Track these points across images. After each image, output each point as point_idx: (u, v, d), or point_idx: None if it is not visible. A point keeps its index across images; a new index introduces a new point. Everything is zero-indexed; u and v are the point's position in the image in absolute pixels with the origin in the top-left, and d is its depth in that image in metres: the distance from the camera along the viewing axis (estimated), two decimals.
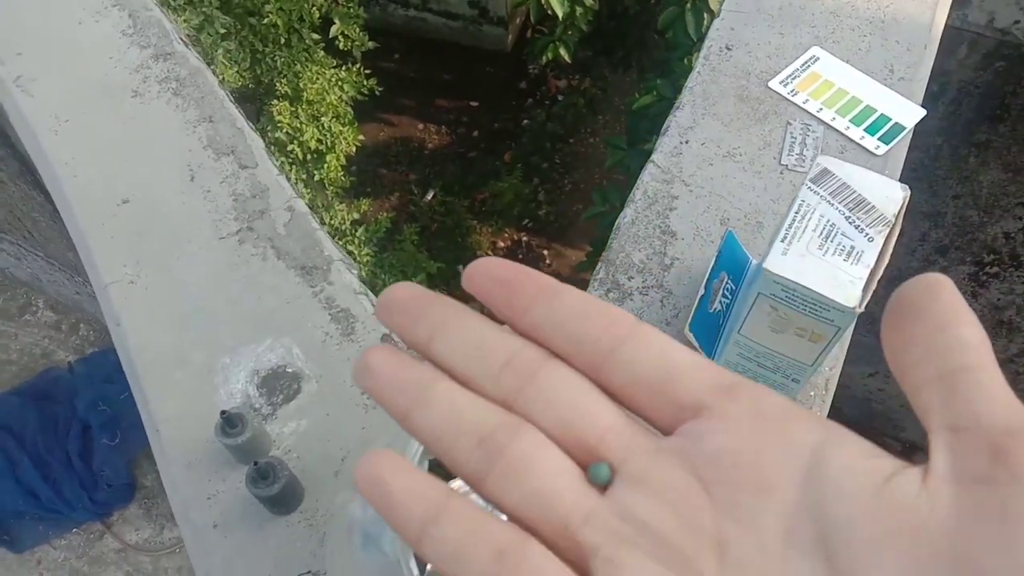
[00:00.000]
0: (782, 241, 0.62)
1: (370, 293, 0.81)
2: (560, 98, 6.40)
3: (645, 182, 0.86)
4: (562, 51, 3.54)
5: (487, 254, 5.91)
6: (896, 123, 0.87)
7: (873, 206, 0.63)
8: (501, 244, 5.89)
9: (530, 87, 6.55)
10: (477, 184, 6.19)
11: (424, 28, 6.59)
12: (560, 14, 2.15)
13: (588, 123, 6.18)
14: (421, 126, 6.55)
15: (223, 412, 0.66)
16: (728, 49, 0.94)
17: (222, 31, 3.47)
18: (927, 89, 0.95)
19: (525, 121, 6.45)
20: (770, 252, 0.62)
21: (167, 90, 0.92)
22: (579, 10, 3.48)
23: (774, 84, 0.91)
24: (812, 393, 0.73)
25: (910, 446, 2.11)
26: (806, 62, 0.93)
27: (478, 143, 6.41)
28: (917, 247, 1.64)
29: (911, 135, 0.87)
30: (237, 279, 0.80)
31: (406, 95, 6.47)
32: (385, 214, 5.62)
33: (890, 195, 0.64)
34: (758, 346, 0.68)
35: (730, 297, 0.74)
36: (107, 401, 2.76)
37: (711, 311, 0.74)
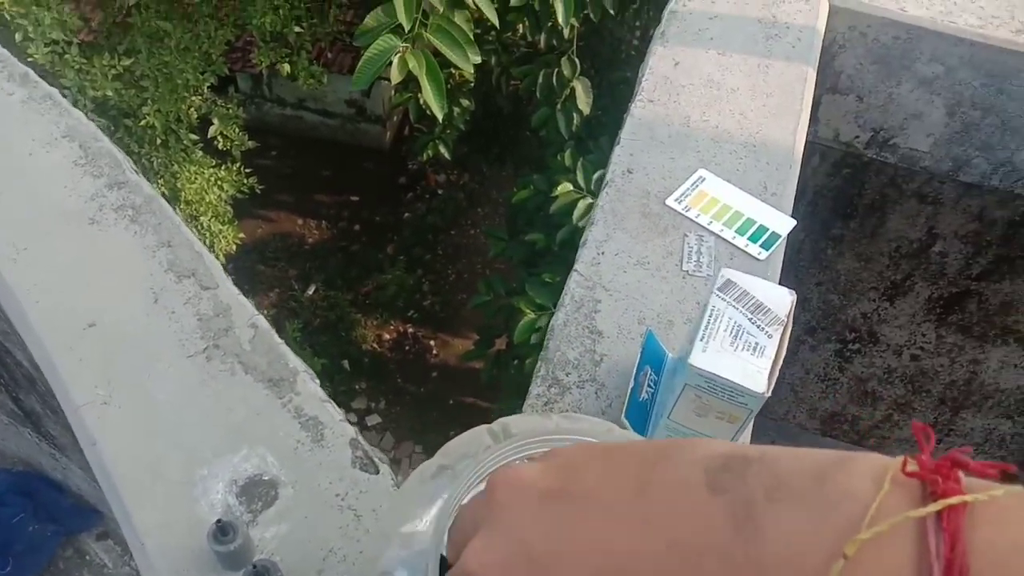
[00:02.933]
0: (701, 340, 0.75)
1: (332, 402, 0.88)
2: (440, 192, 6.62)
3: (572, 288, 0.99)
4: (442, 149, 3.73)
5: (372, 347, 5.92)
6: (773, 232, 1.05)
7: (769, 309, 0.78)
8: (387, 336, 5.93)
9: (410, 181, 6.75)
10: (360, 277, 6.24)
11: (301, 126, 6.70)
12: (440, 116, 2.30)
13: (468, 215, 6.42)
14: (300, 221, 6.58)
15: (218, 521, 0.72)
16: (629, 172, 1.10)
17: None
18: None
19: (406, 214, 6.61)
20: (693, 350, 0.75)
21: (124, 217, 0.98)
22: (456, 111, 3.69)
23: (670, 202, 1.07)
24: None
25: None
26: (695, 182, 1.09)
27: (359, 236, 6.49)
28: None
29: (785, 241, 1.05)
30: (208, 394, 0.86)
31: (284, 191, 6.51)
32: (265, 312, 5.55)
33: (781, 299, 0.79)
34: (685, 429, 0.80)
35: (654, 387, 0.87)
36: None
37: (640, 400, 0.86)
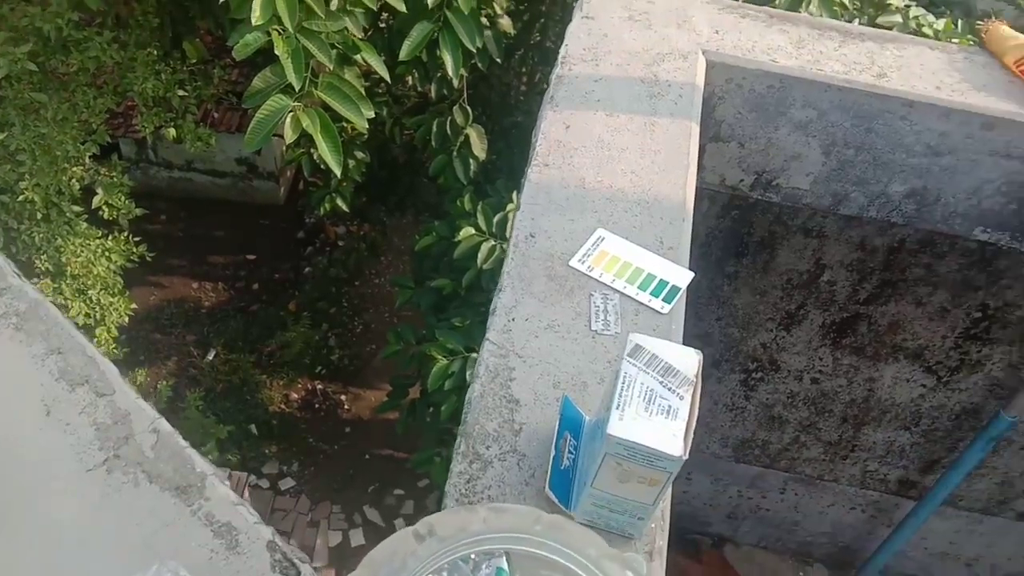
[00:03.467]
0: (617, 408, 0.77)
1: (246, 503, 0.85)
2: (341, 244, 6.52)
3: (485, 358, 0.99)
4: (339, 202, 3.70)
5: (280, 408, 5.74)
6: (673, 285, 1.08)
7: (679, 371, 0.80)
8: (295, 396, 5.76)
9: (308, 236, 6.62)
10: (262, 337, 6.05)
11: (191, 188, 6.50)
12: (337, 172, 2.29)
13: (371, 265, 6.33)
14: (196, 285, 6.35)
15: None
16: (532, 236, 1.11)
17: None
18: None
19: (307, 269, 6.47)
20: (610, 419, 0.76)
21: (8, 326, 0.92)
22: (352, 163, 3.67)
23: (574, 263, 1.09)
24: (653, 525, 0.87)
25: (719, 539, 2.36)
26: (595, 242, 1.12)
27: (259, 296, 6.31)
28: None
29: (685, 294, 1.08)
30: (112, 509, 0.81)
31: (176, 256, 6.28)
32: (164, 382, 5.32)
33: (688, 360, 0.81)
34: (608, 495, 0.81)
35: (575, 452, 0.88)
36: None
37: (562, 468, 0.87)
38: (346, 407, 6.06)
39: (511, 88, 3.82)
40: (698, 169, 1.55)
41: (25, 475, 0.82)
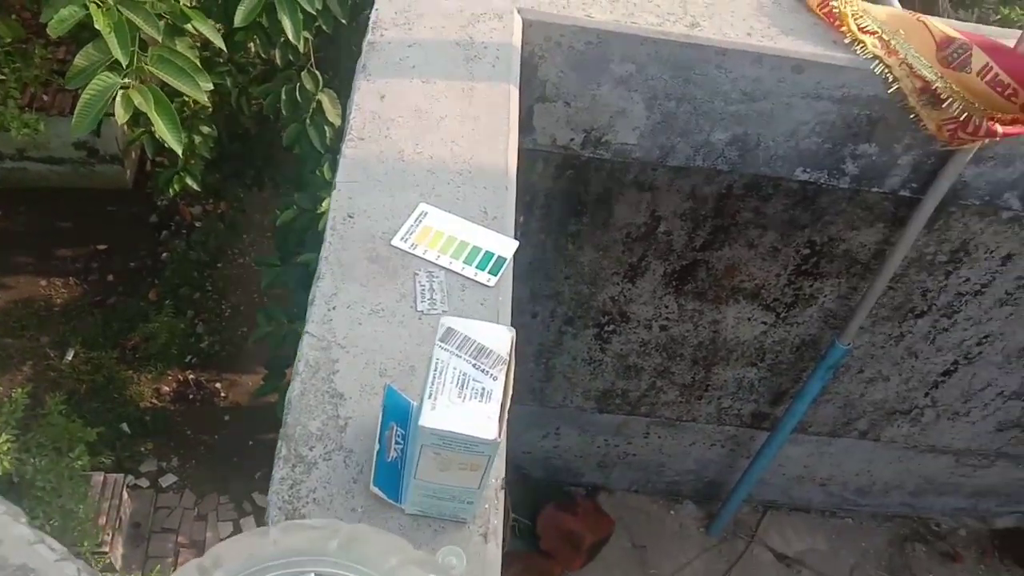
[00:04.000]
0: (429, 398, 0.75)
1: (47, 538, 0.79)
2: (198, 225, 6.20)
3: (305, 353, 0.95)
4: (189, 181, 3.49)
5: (151, 404, 5.48)
6: (499, 256, 1.06)
7: (491, 351, 0.79)
8: (166, 389, 5.50)
9: (162, 219, 6.26)
10: (124, 331, 5.72)
11: (26, 178, 6.01)
12: (178, 149, 2.15)
13: (233, 245, 6.06)
14: (44, 282, 5.91)
15: None
16: (351, 217, 1.07)
17: None
18: (522, 200, 1.16)
19: (164, 254, 6.13)
20: (422, 410, 0.74)
21: None
22: (198, 139, 3.47)
23: (396, 242, 1.05)
24: (487, 506, 0.86)
25: (592, 488, 2.42)
26: (418, 217, 1.09)
27: (115, 287, 5.95)
28: (550, 322, 1.93)
29: (512, 264, 1.07)
30: None
31: (19, 252, 5.82)
32: (20, 389, 4.95)
33: (501, 338, 0.80)
34: (433, 484, 0.79)
35: (403, 442, 0.86)
36: None
37: (389, 461, 0.84)
38: (222, 395, 5.85)
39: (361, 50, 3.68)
40: (529, 131, 1.54)
41: None
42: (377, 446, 0.85)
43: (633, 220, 1.68)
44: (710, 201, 1.65)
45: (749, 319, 1.92)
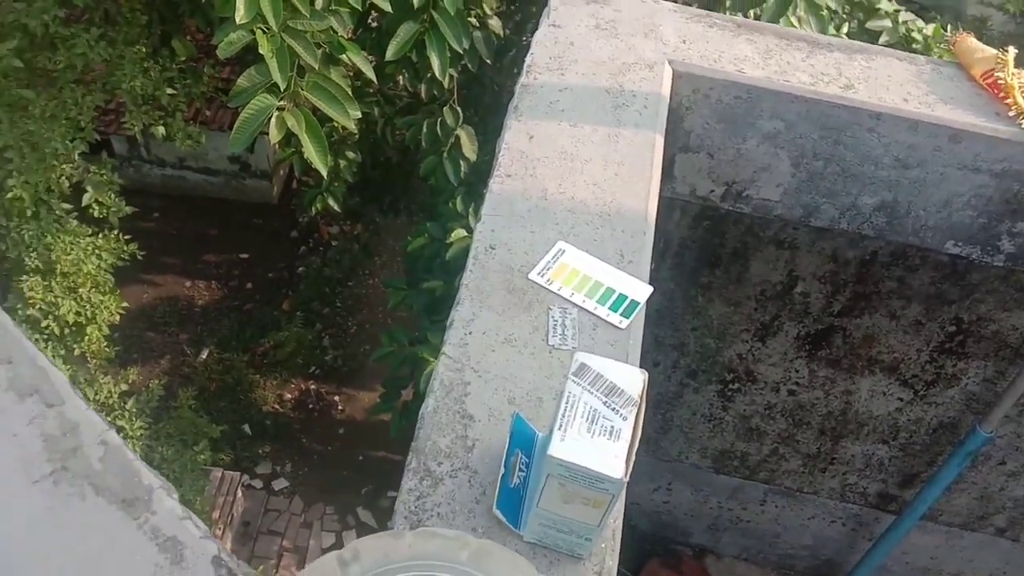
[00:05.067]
0: (559, 429, 0.77)
1: (193, 516, 0.85)
2: (334, 244, 6.52)
3: (441, 372, 0.99)
4: (331, 202, 3.69)
5: (273, 408, 5.74)
6: (632, 300, 1.08)
7: (623, 390, 0.80)
8: (288, 396, 5.76)
9: (302, 235, 6.63)
10: (256, 337, 6.05)
11: (184, 185, 6.51)
12: (324, 172, 2.29)
13: (365, 266, 6.34)
14: (188, 283, 6.35)
15: None
16: (492, 248, 1.11)
17: None
18: (656, 247, 1.17)
19: (300, 269, 6.47)
20: (552, 440, 0.76)
21: None
22: (343, 163, 3.67)
23: (533, 276, 1.09)
24: (603, 545, 0.87)
25: (700, 550, 2.35)
26: (555, 254, 1.12)
27: (252, 295, 6.31)
28: (672, 373, 1.91)
29: (644, 308, 1.08)
30: (57, 523, 0.81)
31: (169, 254, 6.28)
32: (156, 381, 5.31)
33: (633, 380, 0.81)
34: (554, 515, 0.81)
35: (526, 470, 0.88)
36: None
37: (512, 486, 0.87)
38: (340, 408, 6.06)
39: (503, 89, 3.81)
40: (669, 180, 1.55)
41: None
42: (502, 470, 0.88)
43: (768, 278, 1.65)
44: (852, 266, 1.60)
45: (884, 393, 1.83)
